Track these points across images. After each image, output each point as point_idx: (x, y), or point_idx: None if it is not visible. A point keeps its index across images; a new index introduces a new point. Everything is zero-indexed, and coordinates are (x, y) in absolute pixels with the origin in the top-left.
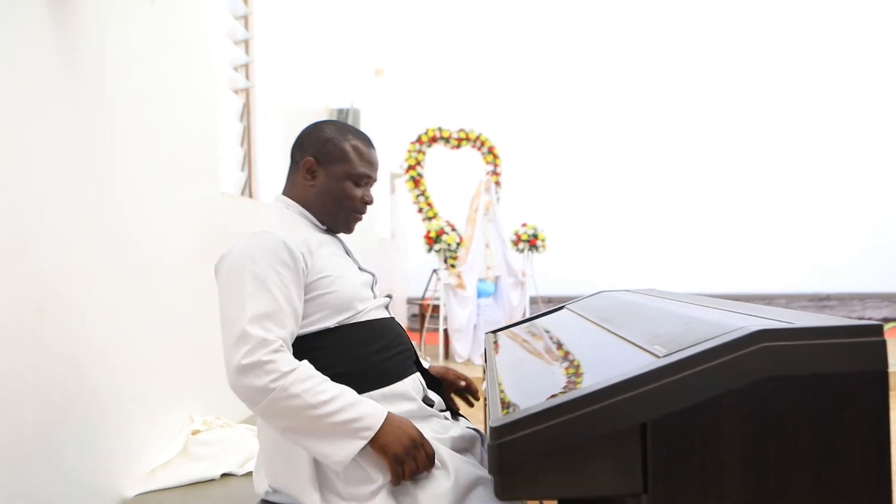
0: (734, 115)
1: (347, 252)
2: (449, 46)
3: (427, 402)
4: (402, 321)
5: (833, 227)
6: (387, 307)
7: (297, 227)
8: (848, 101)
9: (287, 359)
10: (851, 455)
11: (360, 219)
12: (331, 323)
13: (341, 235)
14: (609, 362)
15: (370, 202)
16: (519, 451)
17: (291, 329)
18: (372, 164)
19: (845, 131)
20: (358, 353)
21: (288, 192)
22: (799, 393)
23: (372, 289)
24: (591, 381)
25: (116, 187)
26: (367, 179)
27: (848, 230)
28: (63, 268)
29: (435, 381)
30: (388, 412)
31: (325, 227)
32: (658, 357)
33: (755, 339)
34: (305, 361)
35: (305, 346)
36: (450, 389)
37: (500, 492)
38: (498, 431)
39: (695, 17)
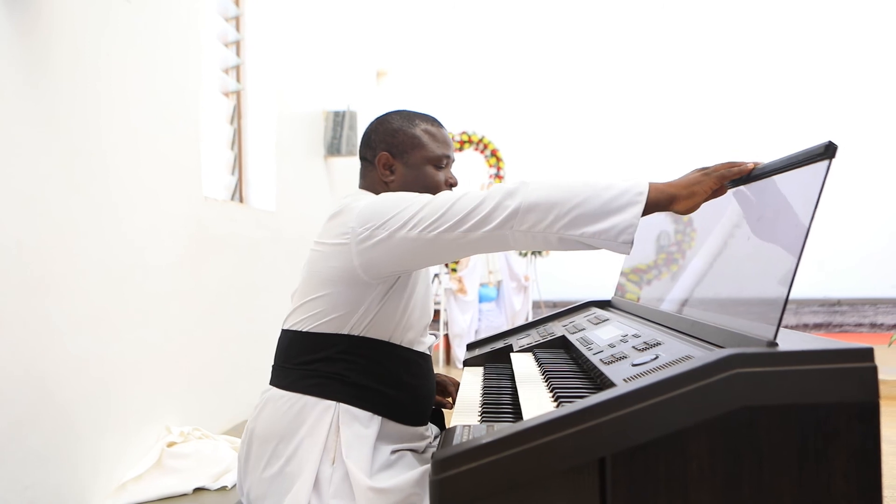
0: (742, 117)
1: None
2: (452, 48)
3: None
4: None
5: (844, 231)
6: (430, 347)
7: None
8: (859, 104)
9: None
10: (838, 496)
11: None
12: (395, 339)
13: None
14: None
15: (455, 184)
16: (462, 487)
17: None
18: (447, 144)
19: (856, 135)
20: (402, 379)
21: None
22: (778, 425)
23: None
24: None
25: (88, 189)
26: (447, 160)
27: (860, 234)
28: (27, 274)
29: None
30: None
31: None
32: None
33: (727, 364)
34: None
35: (359, 345)
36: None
37: None
38: (439, 465)
39: (703, 20)
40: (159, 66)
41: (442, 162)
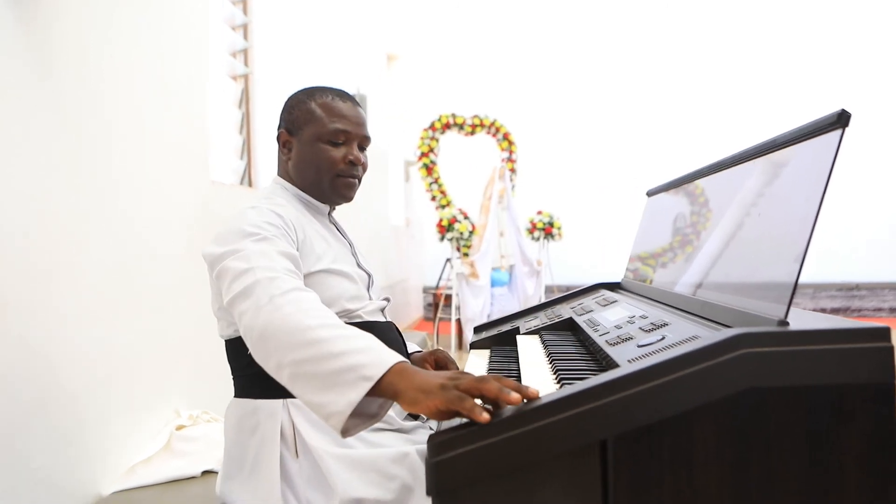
0: (755, 102)
1: (350, 244)
2: (463, 30)
3: (412, 415)
4: (418, 310)
5: (863, 214)
6: (383, 311)
7: (289, 205)
8: (873, 89)
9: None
10: (850, 480)
11: (351, 183)
12: None
13: (349, 234)
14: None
15: (358, 161)
16: (459, 470)
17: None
18: (346, 118)
19: (873, 117)
20: None
21: (278, 173)
22: (788, 406)
23: (368, 290)
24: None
25: (94, 175)
26: (345, 135)
27: (878, 216)
28: (33, 261)
29: None
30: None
31: (327, 207)
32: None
33: (735, 343)
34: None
35: None
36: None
37: None
38: (436, 447)
39: (715, 5)
40: (166, 49)
41: (338, 138)
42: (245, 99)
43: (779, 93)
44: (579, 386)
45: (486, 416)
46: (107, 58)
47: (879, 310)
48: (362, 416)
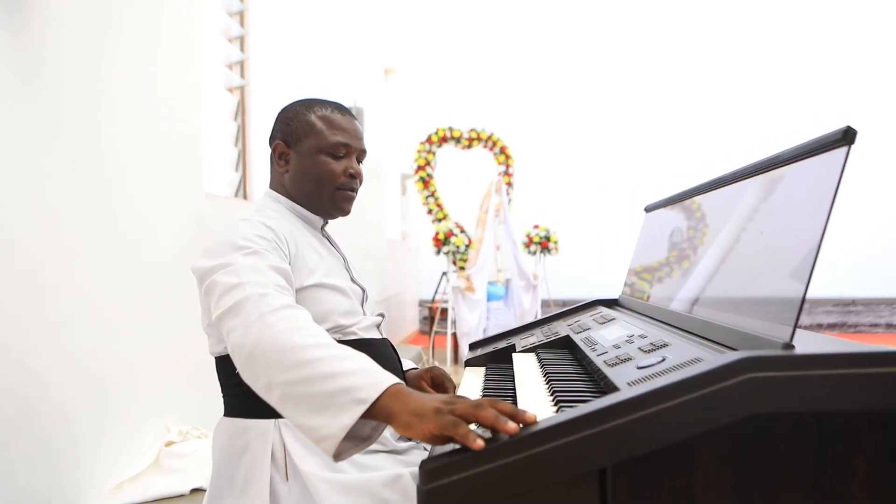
0: (753, 116)
1: (344, 258)
2: (460, 44)
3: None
4: (413, 324)
5: (859, 228)
6: (378, 326)
7: (281, 218)
8: (871, 102)
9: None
10: None
11: (350, 196)
12: None
13: (344, 247)
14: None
15: (358, 175)
16: (452, 498)
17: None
18: (346, 132)
19: (870, 130)
20: None
21: (271, 186)
22: (793, 434)
23: (362, 305)
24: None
25: (86, 184)
26: (346, 149)
27: (875, 231)
28: (20, 267)
29: None
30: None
31: (321, 221)
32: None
33: (739, 367)
34: None
35: None
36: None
37: None
38: (428, 474)
39: (711, 17)
40: (161, 60)
41: (339, 151)
42: (241, 111)
43: (774, 110)
44: (578, 410)
45: (480, 444)
46: (101, 66)
47: (875, 325)
48: (355, 438)
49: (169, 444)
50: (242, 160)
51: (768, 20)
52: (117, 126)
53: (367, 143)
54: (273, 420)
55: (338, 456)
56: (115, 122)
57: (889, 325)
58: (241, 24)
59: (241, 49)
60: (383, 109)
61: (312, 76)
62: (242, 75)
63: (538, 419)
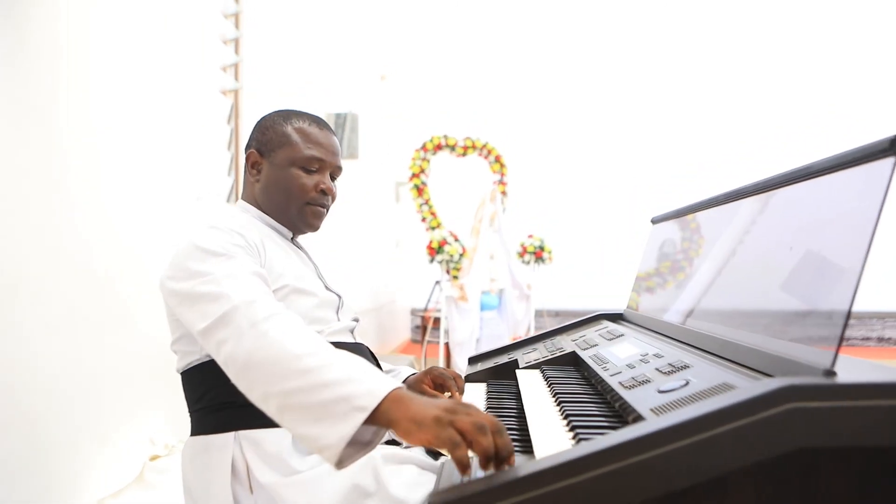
0: (749, 125)
1: (315, 266)
2: (456, 52)
3: (395, 441)
4: (405, 333)
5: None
6: (352, 331)
7: (251, 226)
8: (871, 102)
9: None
10: None
11: (320, 212)
12: None
13: (312, 254)
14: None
15: (329, 191)
16: None
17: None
18: (322, 146)
19: (871, 131)
20: None
21: (243, 196)
22: (837, 470)
23: (337, 312)
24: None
25: (71, 188)
26: (319, 163)
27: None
28: None
29: None
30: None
31: (290, 233)
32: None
33: (782, 396)
34: None
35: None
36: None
37: None
38: None
39: (712, 23)
40: (154, 62)
41: (312, 165)
42: (235, 114)
43: (774, 110)
44: (601, 443)
45: (469, 473)
46: (93, 68)
47: (867, 339)
48: (356, 444)
49: (154, 457)
50: (235, 164)
51: (766, 20)
52: (107, 126)
53: (361, 150)
54: (232, 433)
55: (340, 463)
56: (106, 123)
57: (880, 339)
58: (236, 26)
59: (236, 52)
60: (378, 115)
61: (306, 80)
62: (237, 78)
63: (557, 450)
